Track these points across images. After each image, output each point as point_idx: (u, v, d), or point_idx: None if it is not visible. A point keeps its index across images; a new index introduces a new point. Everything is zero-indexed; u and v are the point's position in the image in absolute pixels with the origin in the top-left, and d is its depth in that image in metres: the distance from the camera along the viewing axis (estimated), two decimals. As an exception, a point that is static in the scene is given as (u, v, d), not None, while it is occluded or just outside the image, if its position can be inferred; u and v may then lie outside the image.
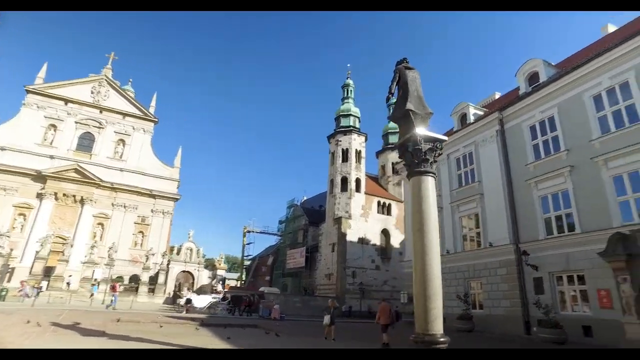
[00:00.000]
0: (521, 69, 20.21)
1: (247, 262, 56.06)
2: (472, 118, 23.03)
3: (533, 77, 19.68)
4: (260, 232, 50.71)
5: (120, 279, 31.29)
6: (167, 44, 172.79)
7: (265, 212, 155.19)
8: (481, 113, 23.35)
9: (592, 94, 15.93)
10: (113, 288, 23.93)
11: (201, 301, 26.51)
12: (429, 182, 6.71)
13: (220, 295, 28.25)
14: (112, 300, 22.74)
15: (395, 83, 7.82)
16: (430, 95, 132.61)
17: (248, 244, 50.90)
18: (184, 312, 22.56)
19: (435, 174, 6.90)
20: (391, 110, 9.56)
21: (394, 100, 8.02)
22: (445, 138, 7.27)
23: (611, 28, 21.31)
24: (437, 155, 6.96)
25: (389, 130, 48.27)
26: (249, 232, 49.94)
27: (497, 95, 28.89)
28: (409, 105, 7.16)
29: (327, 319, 12.82)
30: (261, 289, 33.79)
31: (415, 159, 6.87)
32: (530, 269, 16.83)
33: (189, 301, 24.36)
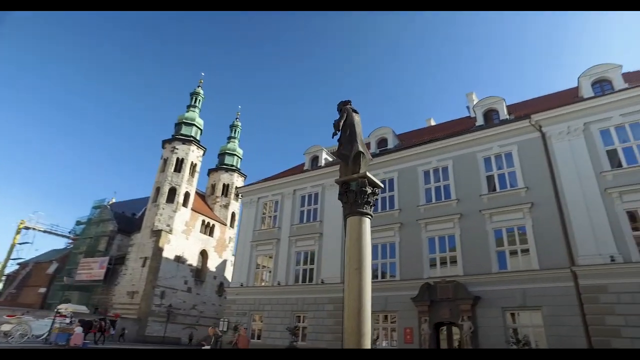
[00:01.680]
0: (373, 133, 23.77)
1: (13, 267, 43.44)
2: (323, 162, 25.25)
3: (382, 142, 23.33)
4: (46, 231, 40.44)
5: None
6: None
7: (56, 208, 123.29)
8: (331, 159, 25.93)
9: (423, 169, 20.04)
10: None
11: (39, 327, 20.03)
12: (368, 224, 7.07)
13: (68, 320, 21.21)
14: None
15: (342, 121, 8.13)
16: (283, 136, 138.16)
17: (22, 243, 39.58)
18: None
19: (372, 216, 7.32)
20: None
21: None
22: (382, 185, 7.84)
23: (432, 122, 27.54)
24: (375, 199, 7.46)
25: (227, 151, 47.73)
26: (27, 228, 39.09)
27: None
28: (361, 148, 7.56)
29: (208, 351, 11.19)
30: (63, 306, 26.42)
31: (358, 200, 7.17)
32: (354, 307, 18.97)
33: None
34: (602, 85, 17.66)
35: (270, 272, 23.42)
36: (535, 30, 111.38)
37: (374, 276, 19.42)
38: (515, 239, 16.69)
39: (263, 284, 23.78)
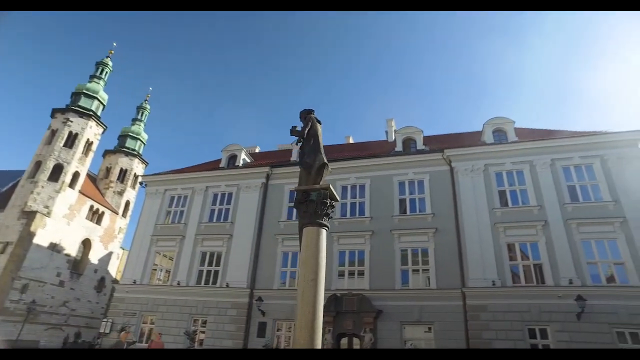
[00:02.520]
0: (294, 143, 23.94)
1: None
2: (241, 162, 24.53)
3: (304, 152, 23.62)
4: None
5: None
6: None
7: None
8: (249, 160, 25.34)
9: (342, 184, 20.81)
10: None
11: None
12: (325, 236, 7.07)
13: None
14: None
15: (307, 129, 8.04)
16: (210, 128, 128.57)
17: None
18: None
19: (328, 227, 7.32)
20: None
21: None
22: (338, 199, 7.90)
23: (351, 139, 28.84)
24: (332, 212, 7.48)
25: (130, 133, 43.30)
26: None
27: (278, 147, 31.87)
28: (325, 159, 7.58)
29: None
30: None
31: (318, 210, 7.12)
32: (259, 314, 18.62)
33: None
34: (500, 135, 20.52)
35: (169, 270, 21.71)
36: (456, 74, 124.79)
37: (284, 282, 19.47)
38: (418, 259, 18.23)
39: (160, 282, 21.91)
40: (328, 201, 7.21)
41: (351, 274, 18.83)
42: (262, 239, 20.86)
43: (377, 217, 19.50)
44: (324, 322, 17.34)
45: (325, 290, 17.12)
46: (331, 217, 7.42)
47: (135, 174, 41.59)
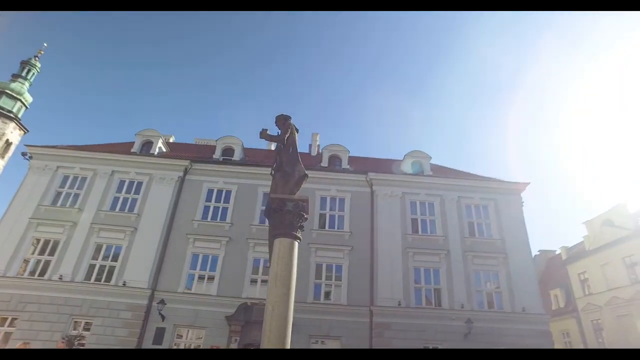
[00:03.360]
0: (222, 139, 22.97)
1: None
2: (157, 150, 22.37)
3: (228, 151, 22.67)
4: None
5: None
6: None
7: None
8: (165, 150, 23.27)
9: (264, 191, 20.24)
10: None
11: None
12: (297, 248, 6.85)
13: None
14: None
15: (286, 136, 7.73)
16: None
17: None
18: None
19: (300, 240, 7.08)
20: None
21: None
22: (307, 216, 7.62)
23: (272, 147, 28.54)
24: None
25: (8, 91, 35.71)
26: None
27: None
28: (304, 170, 7.36)
29: None
30: None
31: (294, 222, 6.87)
32: (158, 318, 16.94)
33: None
34: (417, 166, 22.42)
35: (49, 261, 18.44)
36: (383, 104, 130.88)
37: (189, 286, 18.13)
38: (332, 274, 18.70)
39: (33, 275, 18.41)
40: (304, 213, 7.06)
41: (264, 282, 18.39)
42: (171, 237, 19.19)
43: (297, 229, 19.50)
44: (232, 332, 16.80)
45: (235, 297, 16.62)
46: (303, 230, 7.24)
47: (7, 140, 34.85)
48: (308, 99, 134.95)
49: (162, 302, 16.92)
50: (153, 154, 21.96)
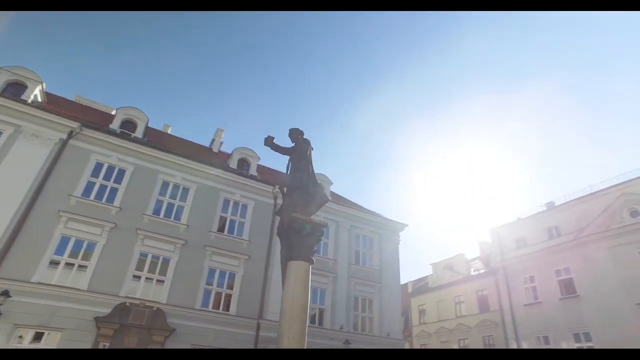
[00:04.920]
0: (123, 109, 19.84)
1: None
2: (32, 98, 17.84)
3: (129, 124, 19.68)
4: None
5: None
6: None
7: None
8: (40, 100, 18.71)
9: (164, 179, 18.43)
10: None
11: None
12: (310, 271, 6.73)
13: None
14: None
15: (308, 152, 7.49)
16: None
17: None
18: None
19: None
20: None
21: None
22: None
23: (170, 130, 26.00)
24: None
25: None
26: None
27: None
28: (326, 196, 7.24)
29: None
30: None
31: (312, 245, 6.72)
32: (-5, 313, 13.22)
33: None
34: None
35: None
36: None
37: (48, 277, 14.80)
38: (224, 282, 17.88)
39: None
40: (322, 239, 6.99)
41: (149, 280, 16.40)
42: (34, 211, 15.39)
43: (193, 227, 18.10)
44: (100, 335, 14.63)
45: (111, 295, 14.54)
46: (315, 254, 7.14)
47: None
48: (220, 96, 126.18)
49: (5, 293, 13.31)
50: (26, 101, 17.49)
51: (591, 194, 22.83)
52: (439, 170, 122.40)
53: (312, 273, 18.48)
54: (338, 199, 24.26)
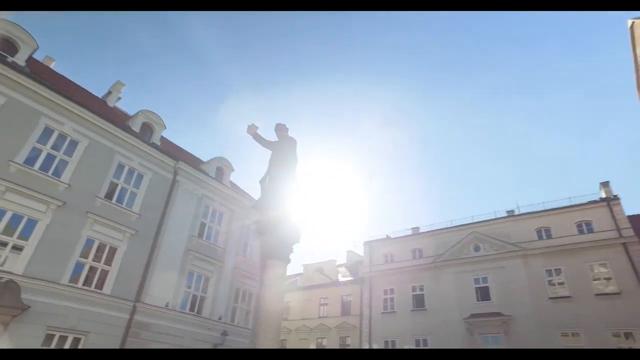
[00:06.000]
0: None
1: None
2: None
3: (10, 47, 15.67)
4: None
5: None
6: None
7: None
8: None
9: (49, 124, 15.30)
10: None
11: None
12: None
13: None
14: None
15: (291, 152, 7.28)
16: None
17: None
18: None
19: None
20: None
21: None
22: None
23: (54, 65, 21.54)
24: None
25: None
26: None
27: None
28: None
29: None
30: None
31: (290, 245, 6.63)
32: None
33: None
34: (220, 174, 22.54)
35: None
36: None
37: None
38: (103, 256, 15.72)
39: None
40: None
41: (3, 245, 13.33)
42: None
43: (76, 188, 15.38)
44: None
45: None
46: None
47: None
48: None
49: None
50: None
51: (450, 227, 27.33)
52: (322, 178, 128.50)
53: (199, 258, 17.95)
54: (236, 188, 23.67)
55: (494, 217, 26.06)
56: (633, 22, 17.05)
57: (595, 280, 21.24)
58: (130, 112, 22.39)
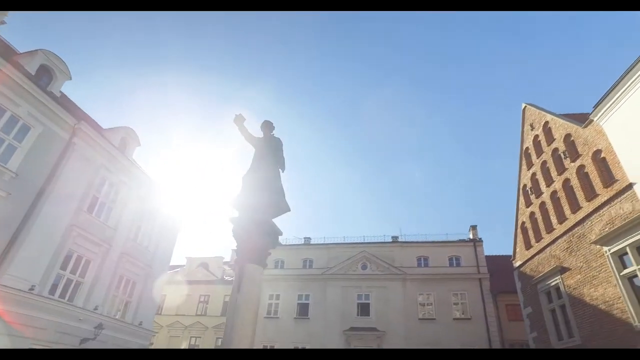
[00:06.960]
0: None
1: None
2: None
3: None
4: None
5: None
6: None
7: None
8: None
9: None
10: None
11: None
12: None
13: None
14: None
15: (279, 151, 6.89)
16: None
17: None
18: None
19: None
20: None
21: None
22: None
23: None
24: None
25: None
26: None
27: None
28: (287, 204, 6.79)
29: None
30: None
31: (268, 249, 6.25)
32: None
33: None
34: (123, 146, 19.92)
35: None
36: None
37: None
38: (-44, 217, 12.37)
39: None
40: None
41: None
42: None
43: None
44: None
45: None
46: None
47: None
48: None
49: None
50: None
51: (342, 243, 28.85)
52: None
53: (84, 236, 15.72)
54: (139, 165, 21.17)
55: (383, 241, 28.45)
56: (525, 106, 20.55)
57: (454, 305, 24.95)
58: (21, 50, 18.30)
